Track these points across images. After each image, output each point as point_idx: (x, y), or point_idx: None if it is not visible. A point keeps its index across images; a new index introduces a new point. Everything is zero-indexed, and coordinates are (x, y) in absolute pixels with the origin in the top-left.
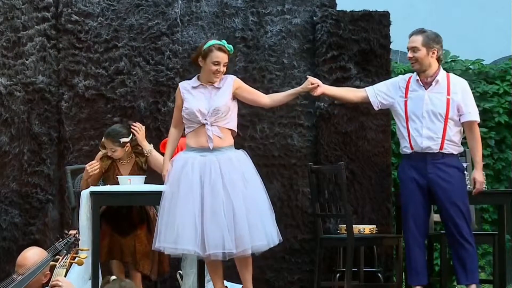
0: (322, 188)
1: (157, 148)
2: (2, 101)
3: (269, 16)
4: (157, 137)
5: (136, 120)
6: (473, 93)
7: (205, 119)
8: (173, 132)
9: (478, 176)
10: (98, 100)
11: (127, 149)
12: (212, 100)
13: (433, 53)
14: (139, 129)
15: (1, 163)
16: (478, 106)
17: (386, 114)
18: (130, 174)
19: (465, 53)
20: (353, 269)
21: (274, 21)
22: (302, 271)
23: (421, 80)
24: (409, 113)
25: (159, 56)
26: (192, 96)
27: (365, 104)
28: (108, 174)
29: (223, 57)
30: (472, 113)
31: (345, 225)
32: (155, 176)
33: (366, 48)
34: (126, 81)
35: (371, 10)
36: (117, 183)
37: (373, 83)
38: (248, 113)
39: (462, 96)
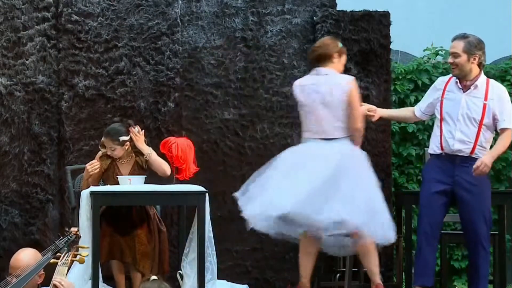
0: None
1: (157, 148)
2: (2, 101)
3: (269, 16)
4: (157, 137)
5: (136, 120)
6: None
7: None
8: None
9: (485, 157)
10: (98, 100)
11: (126, 148)
12: None
13: (474, 59)
14: (138, 133)
15: (1, 163)
16: None
17: None
18: (130, 173)
19: None
20: (353, 269)
21: (274, 21)
22: None
23: (460, 83)
24: (444, 113)
25: (159, 56)
26: None
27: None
28: (108, 174)
29: None
30: (507, 121)
31: None
32: (155, 176)
33: (366, 48)
34: (126, 81)
35: (371, 10)
36: (117, 183)
37: (373, 83)
38: (248, 113)
39: (498, 103)
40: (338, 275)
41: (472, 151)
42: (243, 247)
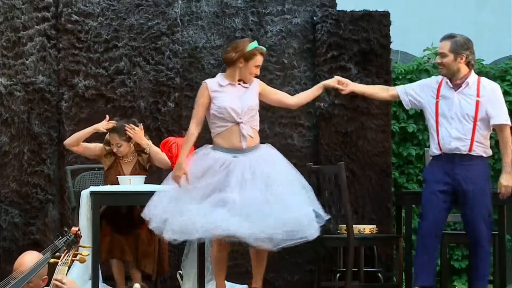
0: (322, 188)
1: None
2: (2, 101)
3: (269, 16)
4: (157, 137)
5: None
6: None
7: (240, 118)
8: (193, 131)
9: (504, 180)
10: (98, 100)
11: (132, 144)
12: (243, 99)
13: (461, 59)
14: (134, 129)
15: (1, 163)
16: None
17: (386, 114)
18: (132, 172)
19: None
20: (353, 269)
21: (274, 21)
22: (302, 271)
23: (451, 82)
24: (439, 114)
25: (159, 56)
26: (222, 94)
27: (365, 104)
28: (111, 172)
29: (262, 61)
30: (500, 116)
31: (345, 225)
32: (155, 176)
33: (366, 48)
34: (126, 81)
35: (371, 10)
36: (118, 182)
37: (373, 83)
38: None
39: (490, 99)
40: (338, 275)
41: (470, 149)
42: (243, 247)
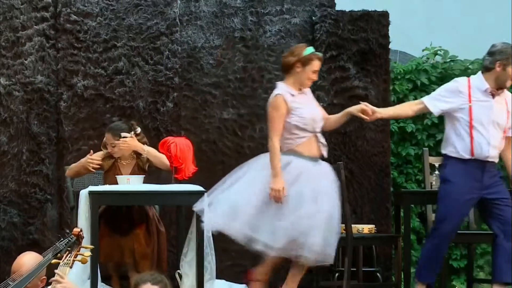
0: None
1: (156, 148)
2: (1, 101)
3: (268, 16)
4: (156, 137)
5: (135, 120)
6: None
7: (317, 128)
8: (277, 145)
9: None
10: (97, 100)
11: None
12: (312, 108)
13: None
14: (125, 142)
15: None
16: None
17: None
18: (131, 174)
19: (465, 53)
20: (352, 269)
21: (273, 21)
22: None
23: (491, 90)
24: (474, 119)
25: (158, 56)
26: (299, 105)
27: None
28: (109, 174)
29: (319, 66)
30: None
31: (344, 225)
32: (154, 176)
33: (365, 48)
34: (125, 81)
35: (370, 10)
36: (117, 183)
37: (372, 83)
38: (247, 113)
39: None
40: (337, 274)
41: (498, 156)
42: (242, 246)
